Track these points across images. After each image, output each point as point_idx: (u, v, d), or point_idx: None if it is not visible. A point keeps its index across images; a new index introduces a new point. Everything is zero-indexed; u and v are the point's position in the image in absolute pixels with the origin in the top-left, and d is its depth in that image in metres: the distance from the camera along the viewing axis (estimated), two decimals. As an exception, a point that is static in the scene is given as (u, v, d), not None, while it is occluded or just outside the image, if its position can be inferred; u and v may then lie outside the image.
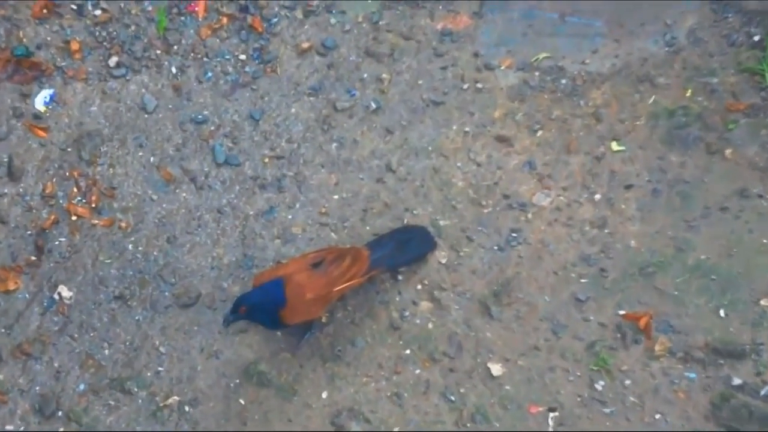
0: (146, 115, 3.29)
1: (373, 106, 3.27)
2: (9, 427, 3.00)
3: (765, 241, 3.07)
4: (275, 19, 3.30)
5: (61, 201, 3.24)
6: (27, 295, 3.17)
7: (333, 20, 3.31)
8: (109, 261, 3.20)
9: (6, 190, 3.23)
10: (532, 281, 3.09)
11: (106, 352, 3.13)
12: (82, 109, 3.31)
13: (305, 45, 3.31)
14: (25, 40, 3.34)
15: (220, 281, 3.16)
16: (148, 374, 3.11)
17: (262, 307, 2.85)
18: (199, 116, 3.29)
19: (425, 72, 3.30)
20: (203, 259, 3.20)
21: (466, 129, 3.25)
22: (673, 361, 2.97)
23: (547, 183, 3.18)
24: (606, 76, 3.24)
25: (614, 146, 3.19)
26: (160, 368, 3.11)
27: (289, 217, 3.21)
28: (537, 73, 3.27)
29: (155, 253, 3.20)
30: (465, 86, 3.28)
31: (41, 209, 3.25)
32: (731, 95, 3.16)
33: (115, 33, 3.34)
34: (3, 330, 3.14)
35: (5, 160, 3.23)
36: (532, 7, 3.25)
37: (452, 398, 3.01)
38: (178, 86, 3.32)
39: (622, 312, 3.04)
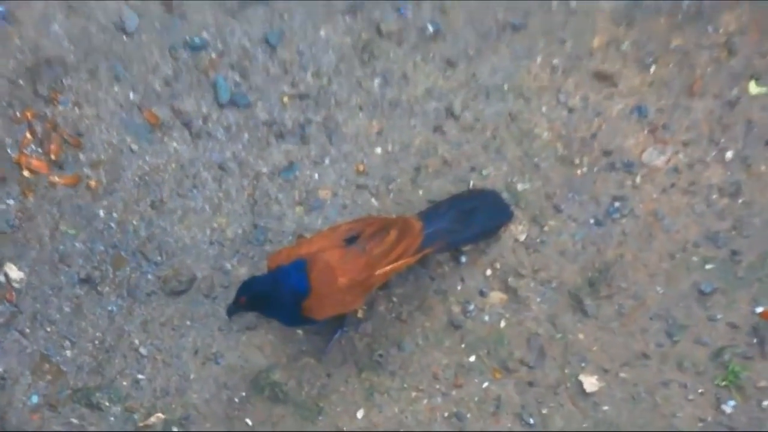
0: (125, 38, 3.20)
1: (430, 29, 3.14)
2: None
3: None
4: None
5: (9, 151, 3.19)
6: (-38, 276, 3.14)
7: None
8: (73, 232, 3.14)
9: (-64, 136, 3.22)
10: (639, 267, 2.98)
11: (68, 353, 3.09)
12: (38, 28, 3.21)
13: (338, -55, 3.16)
14: (-40, -70, 3.21)
15: (222, 261, 3.10)
16: (124, 383, 3.07)
17: (277, 296, 2.72)
18: (197, 40, 3.19)
19: (501, -16, 3.13)
20: (200, 230, 3.13)
21: (555, 62, 3.11)
22: (828, 375, 2.89)
23: (662, 136, 3.05)
24: (743, -6, 3.04)
25: (752, 88, 3.05)
26: (140, 376, 3.08)
27: (316, 176, 3.14)
28: (650, -12, 3.05)
29: (135, 222, 3.15)
30: (554, 4, 3.12)
31: (-18, 161, 3.14)
32: None
33: None
34: (-71, 323, 3.16)
35: (-65, 95, 3.22)
36: None
37: (531, 421, 2.98)
38: (168, -1, 3.15)
39: (759, 309, 2.95)
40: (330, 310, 2.77)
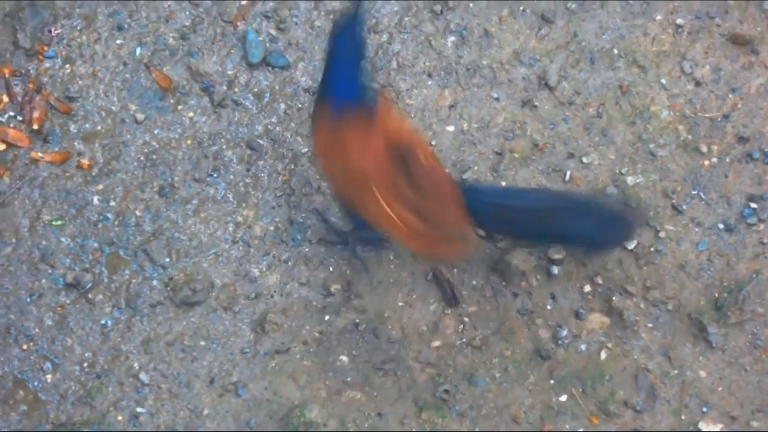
0: (130, -24, 3.05)
1: (521, -26, 3.01)
2: None
3: None
4: None
5: (-19, 118, 3.08)
6: None
7: None
8: (58, 223, 2.97)
9: None
10: (781, 286, 2.80)
11: (49, 378, 2.90)
12: (21, -39, 3.02)
13: None
14: None
15: (248, 265, 2.92)
16: (119, 419, 2.88)
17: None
18: (222, -22, 3.07)
19: None
20: (220, 226, 2.96)
21: (679, 21, 2.98)
22: None
23: (815, 119, 2.77)
24: None
25: None
26: (139, 409, 2.87)
27: (370, 159, 3.02)
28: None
29: (138, 212, 2.99)
30: (680, -53, 2.87)
31: (-54, 131, 3.12)
32: None
33: None
34: None
35: None
36: None
37: (636, 479, 2.84)
38: None
39: None
40: (341, 175, 2.57)
